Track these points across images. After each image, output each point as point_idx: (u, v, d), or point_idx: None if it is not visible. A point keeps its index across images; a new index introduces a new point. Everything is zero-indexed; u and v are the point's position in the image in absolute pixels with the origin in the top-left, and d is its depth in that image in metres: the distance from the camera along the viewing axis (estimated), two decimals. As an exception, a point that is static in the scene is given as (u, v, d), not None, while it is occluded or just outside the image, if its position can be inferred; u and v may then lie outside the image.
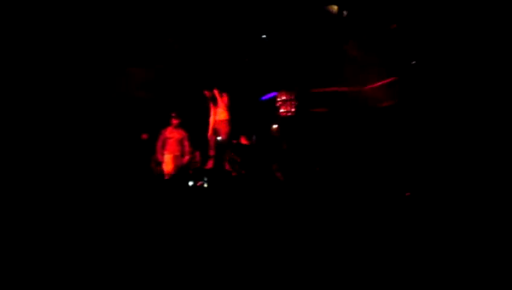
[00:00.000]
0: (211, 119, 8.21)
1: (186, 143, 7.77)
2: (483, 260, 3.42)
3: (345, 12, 8.28)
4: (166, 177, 7.15)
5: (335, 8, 8.24)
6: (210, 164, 7.67)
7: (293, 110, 8.30)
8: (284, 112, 8.32)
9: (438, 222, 4.52)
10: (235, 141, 8.01)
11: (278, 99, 8.38)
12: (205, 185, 6.37)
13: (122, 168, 6.84)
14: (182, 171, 7.17)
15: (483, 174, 6.14)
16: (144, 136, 7.79)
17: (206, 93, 8.05)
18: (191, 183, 6.43)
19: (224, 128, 8.13)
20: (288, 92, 8.38)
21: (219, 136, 8.15)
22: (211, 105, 8.19)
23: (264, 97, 8.48)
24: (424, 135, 7.64)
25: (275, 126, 8.39)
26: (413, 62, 7.96)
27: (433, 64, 7.67)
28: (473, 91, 7.12)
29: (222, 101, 8.17)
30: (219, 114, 8.19)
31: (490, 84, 6.96)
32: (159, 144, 7.66)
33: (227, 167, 7.23)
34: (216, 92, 7.94)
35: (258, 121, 8.31)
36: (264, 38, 8.72)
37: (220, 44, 8.52)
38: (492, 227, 4.19)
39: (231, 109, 8.24)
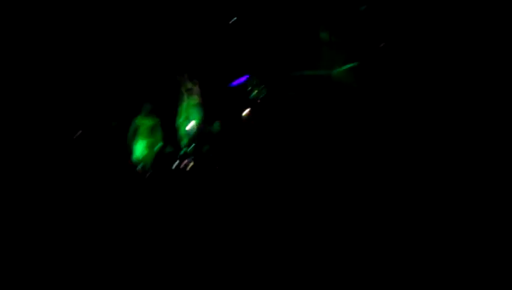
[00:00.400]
0: (182, 105, 8.17)
1: (159, 130, 7.74)
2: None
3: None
4: (140, 166, 7.13)
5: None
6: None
7: (263, 94, 8.34)
8: (255, 96, 8.35)
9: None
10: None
11: (249, 84, 8.39)
12: (191, 164, 6.40)
13: (95, 157, 6.78)
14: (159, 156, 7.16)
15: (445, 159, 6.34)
16: (113, 123, 7.70)
17: (177, 79, 8.00)
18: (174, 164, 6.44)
19: (196, 114, 8.13)
20: (258, 77, 8.40)
21: (191, 121, 8.14)
22: (182, 91, 8.14)
23: (235, 82, 8.47)
24: (392, 118, 7.81)
25: (246, 111, 8.40)
26: (382, 45, 8.08)
27: (401, 48, 7.81)
28: (442, 76, 7.31)
29: (193, 86, 8.15)
30: (190, 100, 8.17)
31: (459, 68, 7.15)
32: (131, 131, 7.60)
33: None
34: (187, 77, 7.91)
35: (230, 105, 8.31)
36: (233, 21, 8.68)
37: (188, 29, 8.44)
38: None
39: (203, 94, 8.23)
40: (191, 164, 6.63)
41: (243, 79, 8.34)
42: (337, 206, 4.59)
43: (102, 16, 7.93)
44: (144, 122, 7.67)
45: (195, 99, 8.23)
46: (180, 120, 8.17)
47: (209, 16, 8.49)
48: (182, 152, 7.21)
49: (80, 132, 7.14)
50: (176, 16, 8.37)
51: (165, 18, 8.28)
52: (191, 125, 8.01)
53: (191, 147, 7.67)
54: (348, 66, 8.41)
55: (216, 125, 7.99)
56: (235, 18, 8.69)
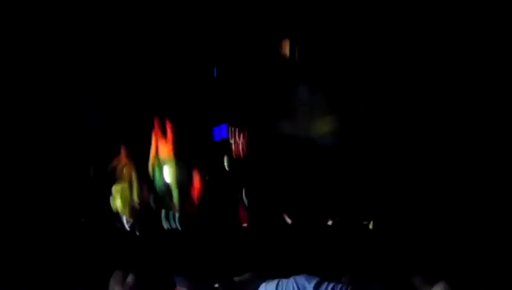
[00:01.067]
0: (153, 152, 7.79)
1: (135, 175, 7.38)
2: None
3: (296, 54, 8.44)
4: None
5: (286, 48, 8.39)
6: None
7: (244, 149, 8.21)
8: (235, 151, 8.21)
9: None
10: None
11: (230, 139, 8.26)
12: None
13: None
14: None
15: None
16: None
17: (156, 121, 7.69)
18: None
19: (171, 167, 7.81)
20: (239, 131, 8.31)
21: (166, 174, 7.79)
22: (156, 136, 7.78)
23: (216, 136, 8.30)
24: (371, 177, 7.84)
25: (227, 166, 8.20)
26: (361, 105, 8.24)
27: (381, 108, 8.00)
28: (421, 136, 7.51)
29: (169, 135, 7.86)
30: (163, 150, 7.84)
31: (438, 129, 7.36)
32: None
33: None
34: (167, 123, 7.66)
35: (210, 160, 8.09)
36: (213, 74, 8.61)
37: (171, 75, 8.27)
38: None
39: (178, 146, 7.94)
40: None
41: (223, 133, 8.19)
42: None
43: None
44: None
45: (169, 150, 7.91)
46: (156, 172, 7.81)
47: (190, 66, 8.38)
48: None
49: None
50: (155, 64, 8.19)
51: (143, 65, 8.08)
52: (169, 177, 7.67)
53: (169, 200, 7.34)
54: (326, 118, 8.50)
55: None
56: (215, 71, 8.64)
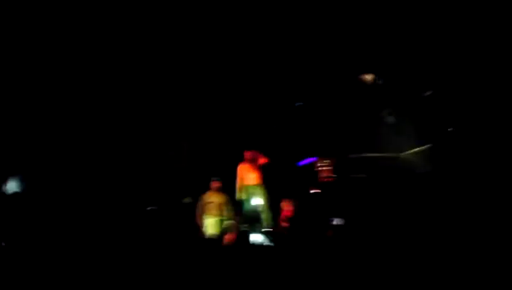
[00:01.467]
0: (239, 181, 8.05)
1: (227, 207, 7.67)
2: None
3: (379, 81, 8.50)
4: (211, 241, 6.98)
5: (370, 77, 8.51)
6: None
7: (332, 175, 8.32)
8: (323, 177, 8.34)
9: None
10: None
11: (317, 165, 8.42)
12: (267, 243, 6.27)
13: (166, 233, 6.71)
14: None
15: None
16: (186, 200, 7.71)
17: (247, 154, 7.97)
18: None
19: (259, 193, 8.03)
20: (326, 158, 8.44)
21: (254, 200, 8.03)
22: (243, 167, 8.06)
23: (302, 162, 8.51)
24: (461, 204, 7.58)
25: (314, 191, 8.36)
26: (450, 129, 8.09)
27: (470, 132, 7.79)
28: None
29: (259, 164, 8.12)
30: (252, 179, 8.08)
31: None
32: (200, 208, 7.57)
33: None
34: (258, 155, 7.94)
35: (298, 186, 8.28)
36: (299, 105, 8.89)
37: (257, 111, 8.68)
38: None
39: (265, 174, 8.19)
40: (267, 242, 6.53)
41: (310, 160, 8.39)
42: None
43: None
44: (213, 199, 7.64)
45: (256, 178, 8.13)
46: (245, 198, 8.08)
47: (277, 99, 8.75)
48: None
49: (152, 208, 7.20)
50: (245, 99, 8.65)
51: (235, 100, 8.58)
52: (257, 202, 7.91)
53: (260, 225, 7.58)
54: (417, 149, 8.41)
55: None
56: (301, 103, 8.89)
